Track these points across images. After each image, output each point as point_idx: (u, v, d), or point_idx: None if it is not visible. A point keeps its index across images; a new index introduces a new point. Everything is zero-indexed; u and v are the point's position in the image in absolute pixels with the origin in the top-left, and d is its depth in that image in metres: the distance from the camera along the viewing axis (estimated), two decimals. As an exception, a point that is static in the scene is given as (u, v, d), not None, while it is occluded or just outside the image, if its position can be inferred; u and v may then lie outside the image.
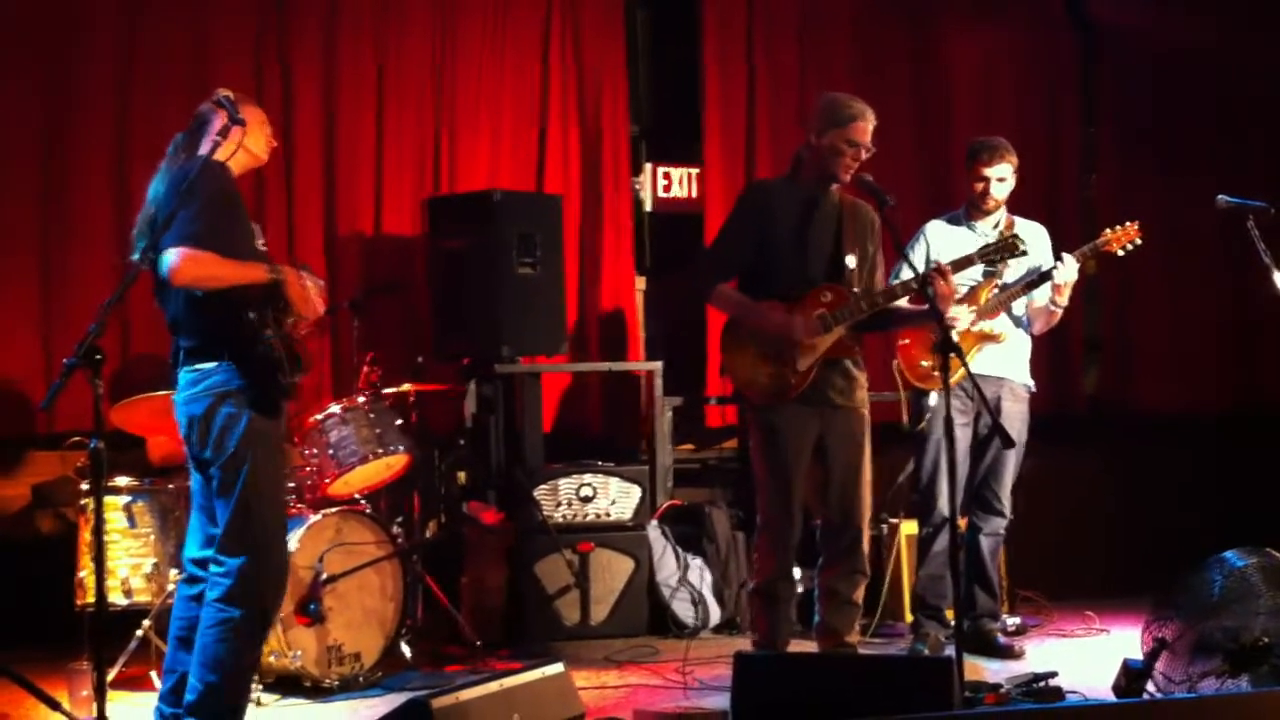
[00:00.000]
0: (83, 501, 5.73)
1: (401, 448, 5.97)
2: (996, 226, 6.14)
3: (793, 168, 5.54)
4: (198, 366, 4.51)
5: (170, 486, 5.81)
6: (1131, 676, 5.00)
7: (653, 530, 6.88)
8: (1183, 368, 8.51)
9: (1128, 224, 6.03)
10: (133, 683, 5.64)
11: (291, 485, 5.77)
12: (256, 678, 5.21)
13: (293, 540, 5.36)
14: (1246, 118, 8.63)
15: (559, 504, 6.74)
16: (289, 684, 5.58)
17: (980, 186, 6.08)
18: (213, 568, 4.53)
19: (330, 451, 5.85)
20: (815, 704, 4.39)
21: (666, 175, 8.01)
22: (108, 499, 5.58)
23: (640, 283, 7.86)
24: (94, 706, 4.04)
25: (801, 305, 5.31)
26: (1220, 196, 5.76)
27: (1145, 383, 8.52)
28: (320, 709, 5.47)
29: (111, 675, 5.37)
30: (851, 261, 5.39)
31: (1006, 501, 6.20)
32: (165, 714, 4.59)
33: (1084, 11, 8.51)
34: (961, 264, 5.49)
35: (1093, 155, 8.63)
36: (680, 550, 6.91)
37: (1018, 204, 6.28)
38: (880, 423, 5.62)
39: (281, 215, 6.98)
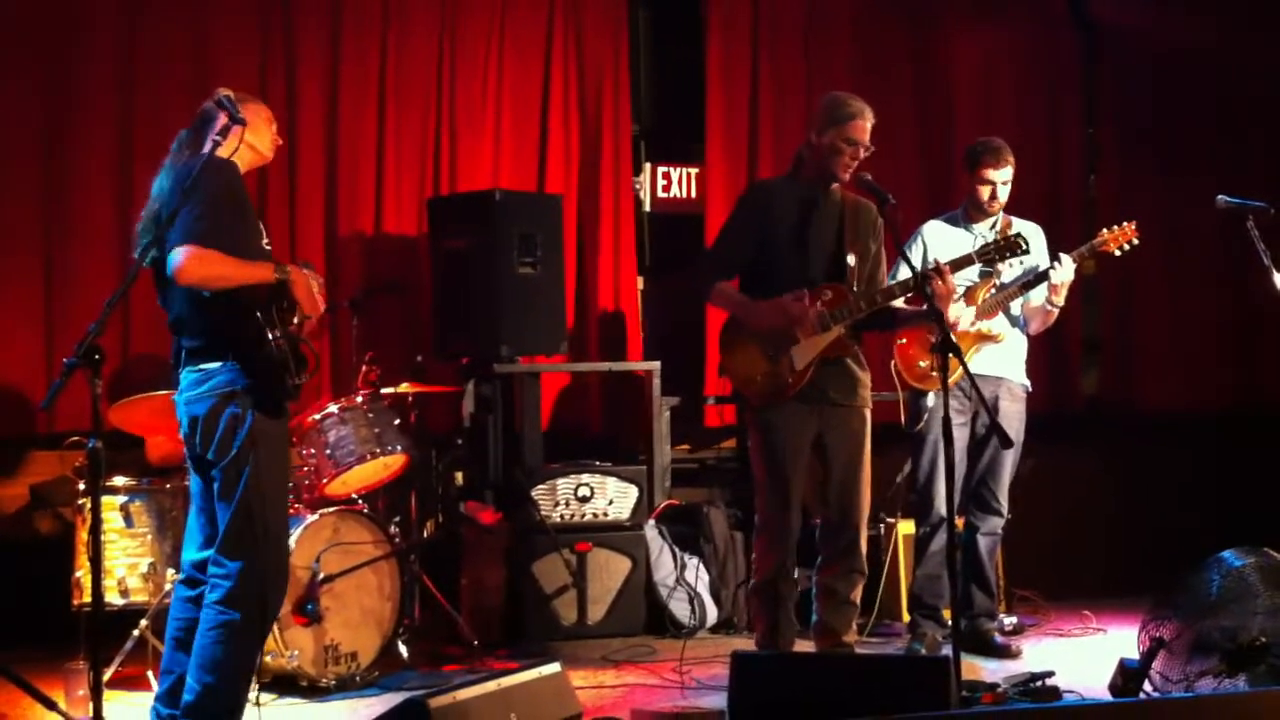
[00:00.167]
0: (80, 501, 5.74)
1: (399, 448, 5.97)
2: (994, 227, 6.15)
3: (794, 167, 5.55)
4: (202, 366, 4.49)
5: (168, 486, 5.82)
6: (1128, 676, 5.00)
7: (650, 530, 6.89)
8: (1182, 367, 8.50)
9: (1125, 224, 6.04)
10: (129, 682, 5.64)
11: (289, 485, 5.76)
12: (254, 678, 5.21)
13: (290, 540, 5.35)
14: (1246, 118, 8.62)
15: (557, 504, 6.75)
16: (286, 683, 5.58)
17: (987, 190, 6.07)
18: (213, 569, 4.50)
19: (328, 451, 5.85)
20: (812, 703, 4.39)
21: (666, 175, 8.02)
22: (105, 499, 5.58)
23: (639, 283, 7.86)
24: (90, 706, 4.04)
25: (805, 295, 5.31)
26: (1220, 197, 5.76)
27: (1145, 382, 8.52)
28: (317, 709, 5.47)
29: (108, 675, 5.37)
30: (852, 260, 5.39)
31: (1004, 501, 6.21)
32: (162, 714, 4.59)
33: (1085, 11, 8.50)
34: (961, 263, 5.49)
35: (1094, 155, 8.63)
36: (678, 550, 6.91)
37: (1019, 204, 6.28)
38: (878, 423, 5.61)
39: (283, 214, 6.99)
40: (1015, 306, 6.16)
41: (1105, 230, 6.06)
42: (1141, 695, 4.95)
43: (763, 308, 5.36)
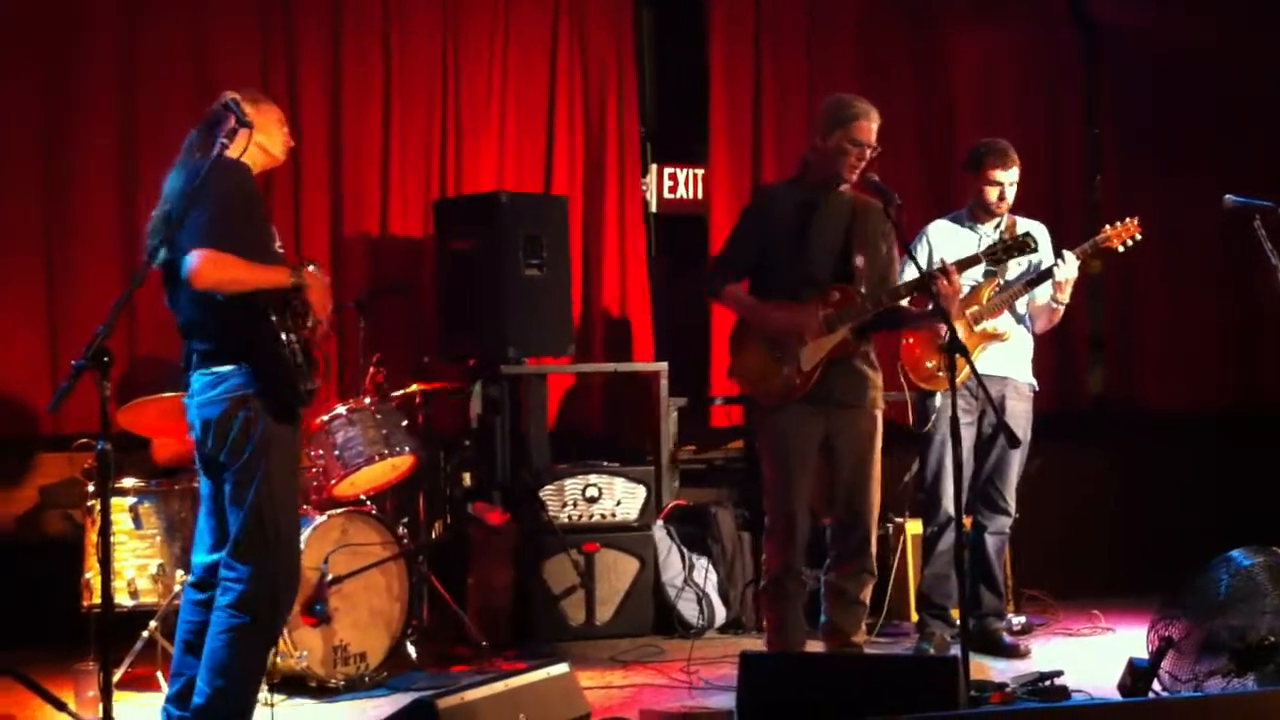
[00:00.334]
0: (89, 503, 5.74)
1: (407, 449, 5.98)
2: (998, 227, 6.16)
3: (800, 170, 5.55)
4: (214, 369, 4.46)
5: (176, 488, 5.81)
6: (1137, 675, 5.00)
7: (658, 530, 6.89)
8: (1183, 367, 8.51)
9: (1128, 220, 6.04)
10: (138, 683, 5.64)
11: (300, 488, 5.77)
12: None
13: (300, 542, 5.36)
14: (1246, 118, 8.62)
15: (564, 504, 6.75)
16: (295, 684, 5.58)
17: (994, 192, 6.07)
18: (224, 573, 4.49)
19: (336, 452, 5.86)
20: (821, 703, 4.40)
21: (672, 176, 8.03)
22: (114, 500, 5.58)
23: (648, 284, 7.85)
24: (100, 707, 4.04)
25: (812, 306, 5.32)
26: (1227, 196, 5.76)
27: (1147, 381, 8.53)
28: (326, 709, 5.48)
29: (117, 676, 5.37)
30: (860, 262, 5.39)
31: (1011, 500, 6.21)
32: (173, 716, 4.58)
33: (1085, 11, 8.51)
34: (968, 262, 5.50)
35: (1097, 156, 8.64)
36: (685, 550, 6.91)
37: (1021, 204, 6.29)
38: (885, 423, 5.61)
39: (288, 216, 6.98)
40: (1021, 305, 6.17)
41: (1108, 226, 6.07)
42: (1150, 695, 4.95)
43: (769, 310, 5.37)
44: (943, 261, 5.41)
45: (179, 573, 5.62)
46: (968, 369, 4.93)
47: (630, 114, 7.76)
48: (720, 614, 6.85)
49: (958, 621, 5.84)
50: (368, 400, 5.97)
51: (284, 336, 4.45)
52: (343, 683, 5.62)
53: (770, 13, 7.97)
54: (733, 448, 7.77)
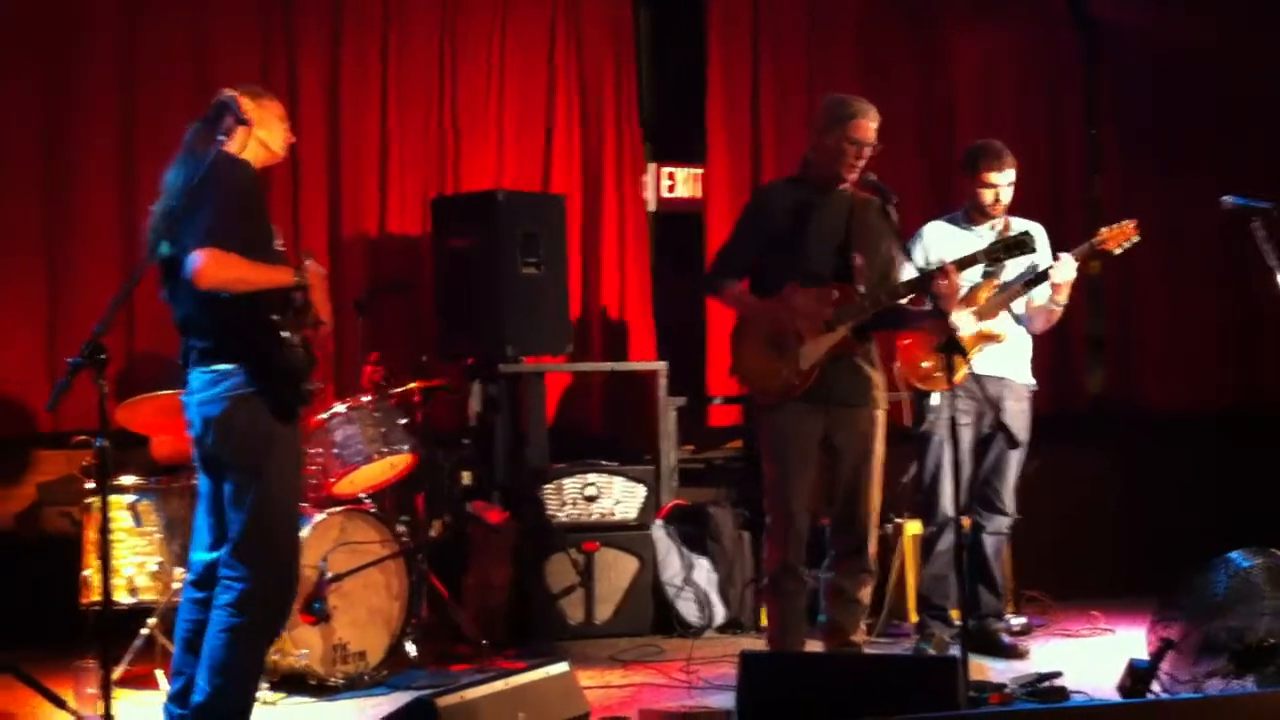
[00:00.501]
0: (88, 500, 5.74)
1: (406, 447, 5.97)
2: (994, 228, 6.15)
3: (801, 169, 5.55)
4: (214, 367, 4.44)
5: (175, 485, 5.81)
6: (1137, 677, 5.00)
7: (657, 530, 6.89)
8: (1183, 367, 8.51)
9: (1124, 222, 6.03)
10: (138, 681, 5.64)
11: (300, 487, 5.76)
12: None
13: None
14: (1246, 118, 8.63)
15: (564, 503, 6.75)
16: (294, 682, 5.58)
17: (990, 194, 6.06)
18: (225, 571, 4.48)
19: (335, 451, 5.85)
20: (820, 703, 4.40)
21: (670, 175, 8.04)
22: (113, 498, 5.57)
23: (647, 282, 7.86)
24: (99, 705, 4.05)
25: (814, 292, 5.32)
26: (1226, 197, 5.75)
27: (1147, 381, 8.54)
28: (325, 707, 5.48)
29: (117, 673, 5.36)
30: (860, 261, 5.38)
31: (1010, 500, 6.21)
32: (174, 714, 4.56)
33: (1086, 10, 8.51)
34: (967, 262, 5.49)
35: (1097, 156, 8.64)
36: (685, 550, 6.91)
37: (1020, 204, 6.29)
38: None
39: (286, 214, 6.98)
40: (1018, 306, 6.16)
41: (1104, 229, 6.06)
42: (1150, 696, 4.95)
43: (767, 307, 5.38)
44: (942, 261, 5.41)
45: (178, 570, 5.61)
46: (966, 369, 4.94)
47: (628, 113, 7.76)
48: (720, 613, 6.85)
49: (957, 622, 5.85)
50: (366, 398, 5.97)
51: (285, 336, 4.44)
52: (342, 681, 5.62)
53: (769, 12, 7.97)
54: (732, 447, 7.77)
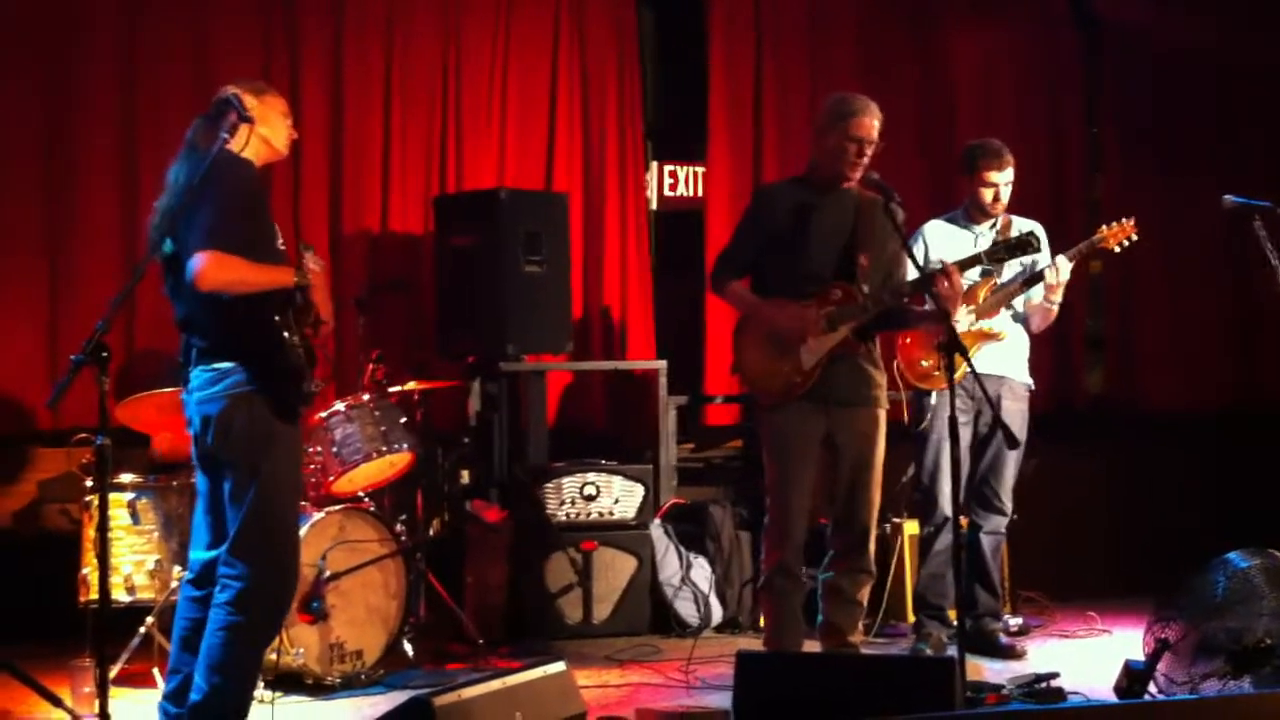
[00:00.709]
0: (87, 498, 5.74)
1: (405, 446, 5.97)
2: (994, 227, 6.16)
3: (807, 169, 5.55)
4: (215, 366, 4.44)
5: (174, 483, 5.81)
6: (1133, 677, 5.01)
7: (656, 529, 6.89)
8: (1182, 366, 8.51)
9: (1123, 220, 6.04)
10: (135, 679, 5.64)
11: (300, 486, 5.76)
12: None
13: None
14: (1246, 118, 8.63)
15: (562, 502, 6.75)
16: (291, 681, 5.58)
17: (989, 193, 6.07)
18: (223, 570, 4.48)
19: (334, 449, 5.85)
20: (817, 703, 4.40)
21: (672, 174, 8.04)
22: (112, 496, 5.56)
23: (648, 282, 7.85)
24: (96, 703, 4.04)
25: (813, 304, 5.32)
26: (1227, 196, 5.76)
27: (1145, 381, 8.53)
28: (322, 706, 5.48)
29: (114, 672, 5.37)
30: (864, 261, 5.38)
31: (1007, 500, 6.21)
32: (170, 713, 4.57)
33: (1088, 8, 8.51)
34: (970, 263, 5.49)
35: (1097, 155, 8.64)
36: (683, 549, 6.91)
37: (1021, 204, 6.29)
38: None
39: (288, 212, 6.98)
40: (1018, 304, 6.17)
41: (1104, 227, 6.07)
42: (1146, 697, 4.95)
43: (769, 308, 5.38)
44: (944, 262, 5.41)
45: (176, 569, 5.61)
46: (965, 368, 4.94)
47: (631, 111, 7.76)
48: (717, 613, 6.85)
49: (954, 622, 5.85)
50: (366, 397, 5.97)
51: (286, 336, 4.44)
52: (339, 680, 5.62)
53: (770, 12, 7.96)
54: (731, 446, 7.77)
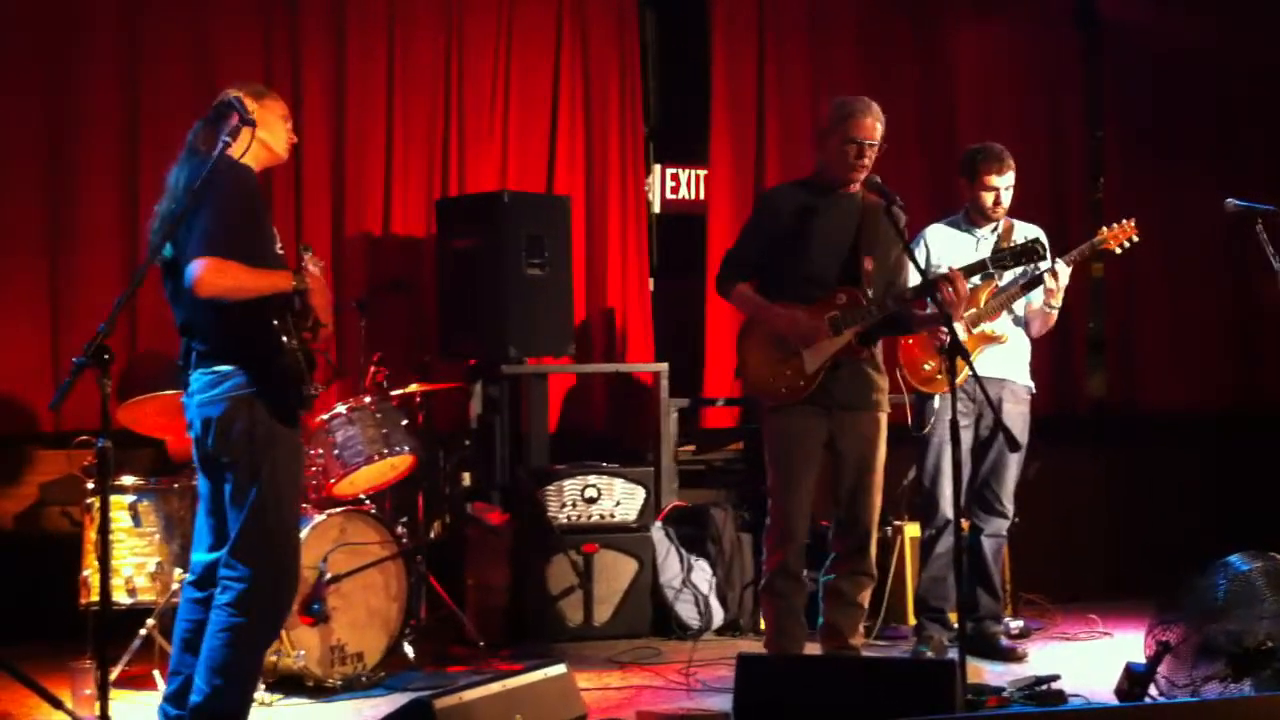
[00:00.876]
0: (88, 500, 5.74)
1: (407, 448, 5.97)
2: (995, 230, 6.16)
3: (813, 172, 5.55)
4: (215, 369, 4.45)
5: (175, 486, 5.81)
6: (1134, 680, 5.00)
7: (657, 531, 6.89)
8: (1183, 367, 8.51)
9: (1124, 221, 6.04)
10: (135, 681, 5.64)
11: (301, 489, 5.75)
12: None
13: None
14: (1246, 118, 8.63)
15: (563, 505, 6.75)
16: (292, 683, 5.58)
17: (990, 197, 6.07)
18: (224, 572, 4.49)
19: (336, 451, 5.85)
20: (818, 706, 4.40)
21: (674, 177, 8.04)
22: (113, 498, 5.57)
23: (650, 284, 7.86)
24: (96, 705, 4.04)
25: (817, 308, 5.32)
26: (1229, 200, 5.76)
27: (1148, 382, 8.53)
28: (323, 709, 5.48)
29: (114, 674, 5.36)
30: (869, 265, 5.38)
31: (1008, 503, 6.21)
32: (170, 715, 4.57)
33: (1090, 7, 8.51)
34: (975, 269, 5.48)
35: (1098, 156, 8.64)
36: (684, 552, 6.91)
37: (1021, 205, 6.29)
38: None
39: (289, 214, 6.99)
40: (1019, 307, 6.17)
41: (1105, 228, 6.07)
42: (1147, 700, 4.95)
43: (774, 313, 5.37)
44: (950, 269, 5.40)
45: (177, 571, 5.61)
46: (967, 371, 4.94)
47: (633, 114, 7.76)
48: (718, 616, 6.85)
49: (955, 625, 5.85)
50: (368, 399, 5.97)
51: (285, 340, 4.45)
52: (340, 682, 5.62)
53: (772, 13, 7.96)
54: (732, 449, 7.77)
